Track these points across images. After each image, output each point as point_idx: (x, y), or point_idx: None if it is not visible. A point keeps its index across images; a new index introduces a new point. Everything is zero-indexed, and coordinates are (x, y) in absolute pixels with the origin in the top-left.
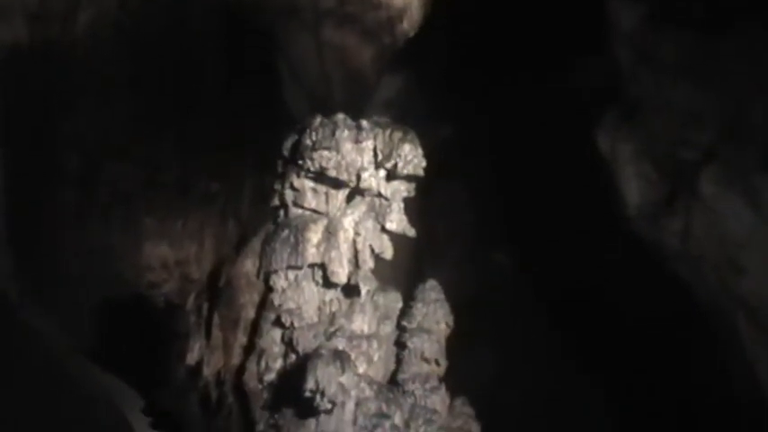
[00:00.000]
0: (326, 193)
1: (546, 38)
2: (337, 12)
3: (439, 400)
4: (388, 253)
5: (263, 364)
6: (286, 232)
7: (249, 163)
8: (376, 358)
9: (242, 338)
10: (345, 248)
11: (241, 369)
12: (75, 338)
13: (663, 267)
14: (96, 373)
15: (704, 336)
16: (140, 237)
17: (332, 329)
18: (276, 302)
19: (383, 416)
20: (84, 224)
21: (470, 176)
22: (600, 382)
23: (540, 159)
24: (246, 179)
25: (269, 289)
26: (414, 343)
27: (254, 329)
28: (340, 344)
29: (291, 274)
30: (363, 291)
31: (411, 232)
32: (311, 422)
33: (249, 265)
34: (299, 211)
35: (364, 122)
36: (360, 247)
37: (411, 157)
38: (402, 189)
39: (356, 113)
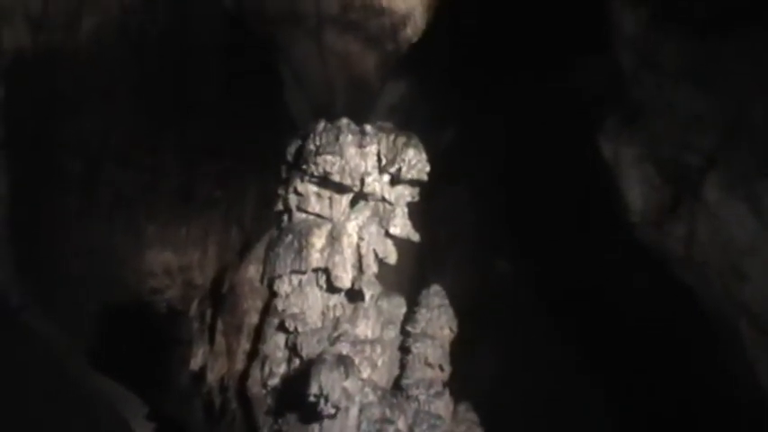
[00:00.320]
0: (330, 198)
1: (546, 38)
2: (341, 19)
3: (443, 405)
4: (392, 258)
5: (266, 369)
6: (290, 237)
7: (251, 167)
8: (380, 363)
9: (245, 344)
10: (349, 253)
11: (245, 375)
12: (75, 340)
13: (664, 268)
14: (97, 377)
15: (704, 336)
16: (143, 243)
17: (336, 334)
18: (280, 307)
19: (387, 421)
20: (85, 225)
21: (473, 180)
22: (600, 382)
23: (543, 162)
24: (249, 185)
25: (273, 294)
26: (417, 348)
27: (258, 335)
28: (344, 349)
29: (295, 279)
30: (367, 296)
31: (415, 237)
32: (315, 427)
33: (252, 270)
34: (303, 215)
35: (368, 127)
36: (364, 251)
37: (415, 162)
38: (406, 194)
39: (360, 119)
